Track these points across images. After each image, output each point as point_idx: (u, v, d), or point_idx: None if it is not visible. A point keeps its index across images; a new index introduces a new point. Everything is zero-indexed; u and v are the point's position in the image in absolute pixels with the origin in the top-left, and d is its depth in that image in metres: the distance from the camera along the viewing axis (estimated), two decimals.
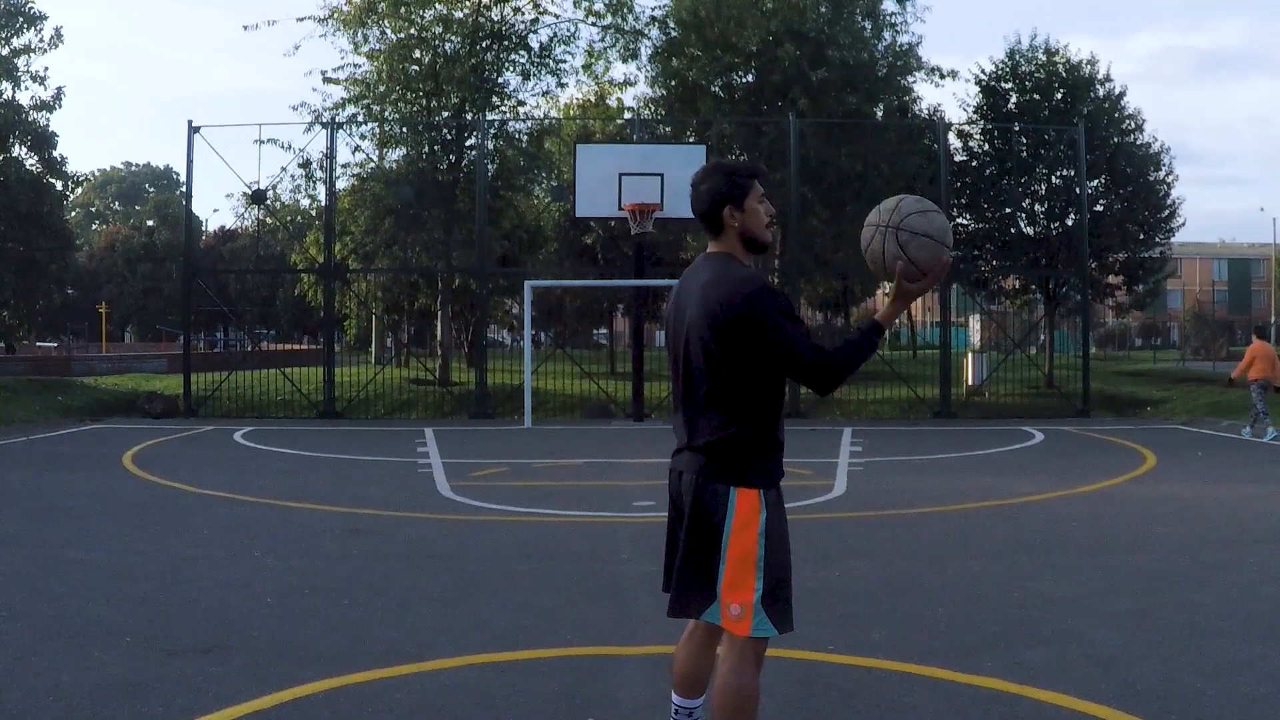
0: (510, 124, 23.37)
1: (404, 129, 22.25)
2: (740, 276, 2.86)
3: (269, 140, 21.31)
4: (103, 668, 4.34)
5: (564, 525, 7.97)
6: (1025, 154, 23.61)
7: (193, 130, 19.25)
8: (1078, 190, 21.63)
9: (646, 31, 22.36)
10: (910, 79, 23.15)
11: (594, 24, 22.35)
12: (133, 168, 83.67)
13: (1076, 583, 5.94)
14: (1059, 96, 24.39)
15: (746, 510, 2.87)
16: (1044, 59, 24.79)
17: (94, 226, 74.17)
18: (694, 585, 2.93)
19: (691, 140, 20.93)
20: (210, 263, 38.55)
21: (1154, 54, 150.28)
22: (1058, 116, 23.39)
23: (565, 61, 23.33)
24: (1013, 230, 24.02)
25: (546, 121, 26.05)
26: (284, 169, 23.36)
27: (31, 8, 21.88)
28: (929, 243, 2.88)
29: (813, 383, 2.85)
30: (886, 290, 3.53)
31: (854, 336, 2.89)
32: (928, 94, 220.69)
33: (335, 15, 21.48)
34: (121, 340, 60.92)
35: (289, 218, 26.31)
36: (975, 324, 37.34)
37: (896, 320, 2.93)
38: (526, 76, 23.17)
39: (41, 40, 21.88)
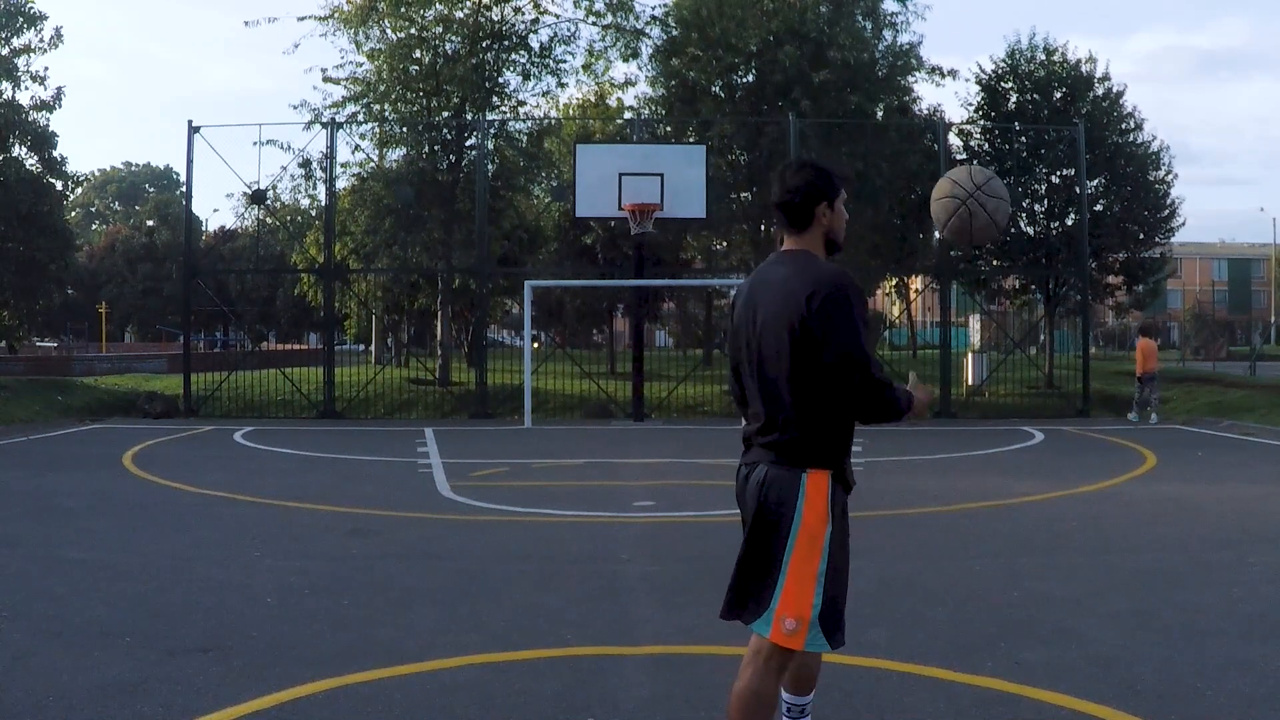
0: (510, 124, 23.37)
1: (404, 129, 22.25)
2: (828, 270, 2.87)
3: (269, 140, 21.33)
4: (103, 668, 4.34)
5: (564, 525, 7.97)
6: (1025, 153, 23.60)
7: (193, 130, 19.26)
8: (1077, 190, 21.62)
9: (647, 31, 22.36)
10: (910, 79, 23.17)
11: (594, 24, 22.36)
12: (133, 168, 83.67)
13: (1076, 583, 5.94)
14: (1059, 96, 24.38)
15: (817, 499, 2.84)
16: (1044, 58, 24.78)
17: (94, 226, 74.16)
18: (750, 590, 2.92)
19: (691, 140, 20.93)
20: (210, 263, 38.49)
21: (1154, 54, 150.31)
22: (1057, 116, 23.38)
23: (565, 61, 23.36)
24: (1013, 230, 24.01)
25: (546, 121, 26.05)
26: (284, 169, 23.38)
27: (31, 8, 21.87)
28: (1003, 204, 3.08)
29: (859, 395, 2.80)
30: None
31: (900, 393, 2.88)
32: (928, 94, 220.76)
33: (336, 14, 21.48)
34: (121, 340, 60.91)
35: (289, 218, 26.30)
36: (975, 324, 37.32)
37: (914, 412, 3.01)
38: (527, 76, 23.19)
39: (41, 40, 21.88)
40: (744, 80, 21.78)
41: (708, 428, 17.35)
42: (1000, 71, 24.98)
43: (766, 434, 2.95)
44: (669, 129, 22.68)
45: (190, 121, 19.79)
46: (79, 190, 42.14)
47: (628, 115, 26.29)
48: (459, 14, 21.94)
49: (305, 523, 8.00)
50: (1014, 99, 24.74)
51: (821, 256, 2.97)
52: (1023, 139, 23.47)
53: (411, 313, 30.96)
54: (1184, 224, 25.83)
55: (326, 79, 22.18)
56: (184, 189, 38.74)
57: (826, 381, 2.81)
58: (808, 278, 2.83)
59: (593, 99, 30.25)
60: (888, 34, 22.66)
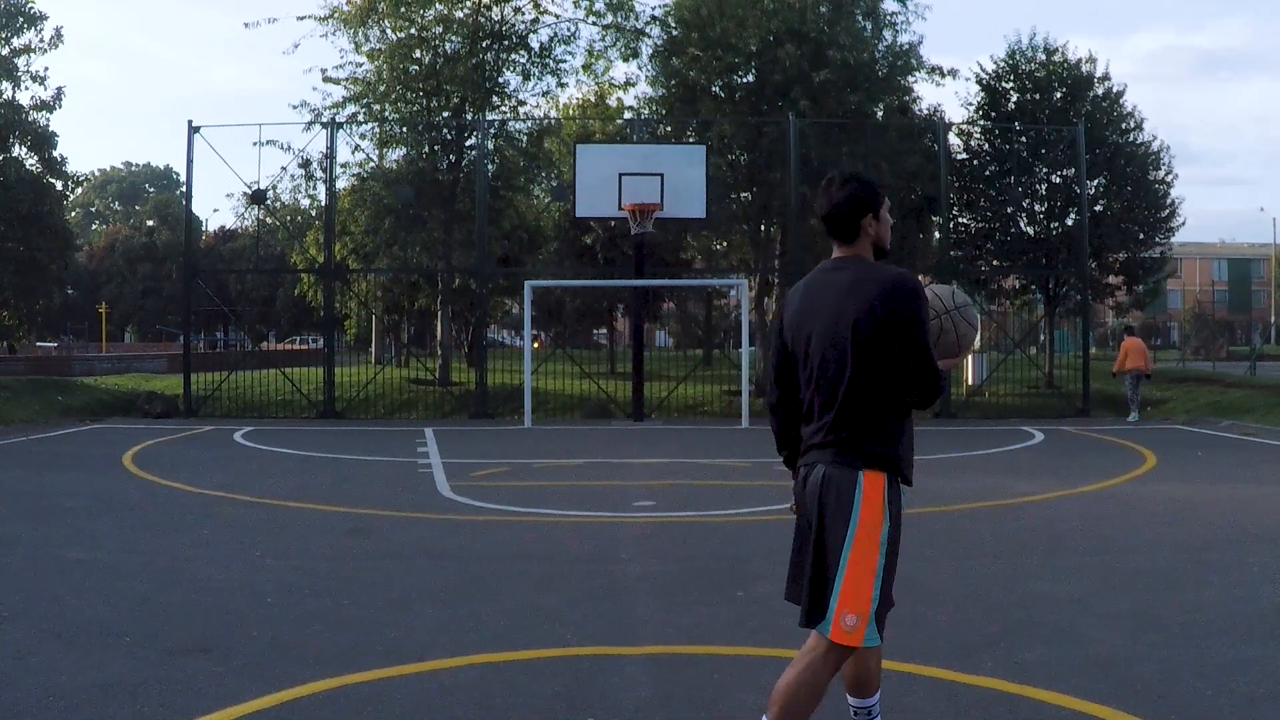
0: (510, 124, 23.36)
1: (404, 129, 22.25)
2: (895, 274, 2.96)
3: (269, 140, 21.32)
4: (103, 668, 4.34)
5: (564, 525, 7.97)
6: (1025, 153, 23.59)
7: (193, 130, 19.25)
8: (1077, 190, 21.62)
9: (647, 31, 22.35)
10: (910, 79, 23.15)
11: (594, 23, 22.35)
12: (133, 168, 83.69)
13: (1076, 583, 5.94)
14: (1059, 96, 24.38)
15: (874, 498, 2.90)
16: (1044, 58, 24.78)
17: (94, 226, 74.18)
18: (813, 589, 2.98)
19: (691, 140, 20.93)
20: (210, 263, 38.54)
21: (1154, 54, 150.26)
22: (1058, 116, 23.38)
23: (565, 61, 23.34)
24: (1013, 230, 24.01)
25: (546, 121, 26.05)
26: (284, 169, 23.37)
27: (31, 8, 21.87)
28: (972, 332, 3.25)
29: (927, 391, 2.92)
30: None
31: None
32: (928, 94, 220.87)
33: (336, 14, 21.47)
34: (121, 340, 60.90)
35: (289, 218, 26.31)
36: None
37: None
38: (527, 76, 23.17)
39: (41, 40, 21.88)
40: (744, 80, 21.76)
41: (708, 428, 17.35)
42: (1001, 71, 24.98)
43: (824, 435, 3.01)
44: (669, 129, 22.67)
45: (190, 121, 19.78)
46: (79, 190, 42.10)
47: (628, 115, 26.27)
48: (459, 14, 21.93)
49: (305, 523, 8.00)
50: (1014, 99, 24.74)
51: (871, 260, 3.09)
52: (1023, 139, 23.47)
53: (411, 313, 30.96)
54: (1184, 224, 25.86)
55: (326, 79, 22.20)
56: (184, 189, 38.74)
57: (897, 376, 2.92)
58: (875, 281, 2.93)
59: (593, 99, 30.25)
60: (888, 34, 22.63)
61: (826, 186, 3.10)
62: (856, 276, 2.98)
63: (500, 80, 22.75)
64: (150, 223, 65.98)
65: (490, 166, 21.66)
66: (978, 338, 3.28)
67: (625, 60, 22.82)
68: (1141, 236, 25.27)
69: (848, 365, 2.93)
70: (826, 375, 2.98)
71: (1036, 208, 24.44)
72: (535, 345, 23.84)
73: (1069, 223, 23.76)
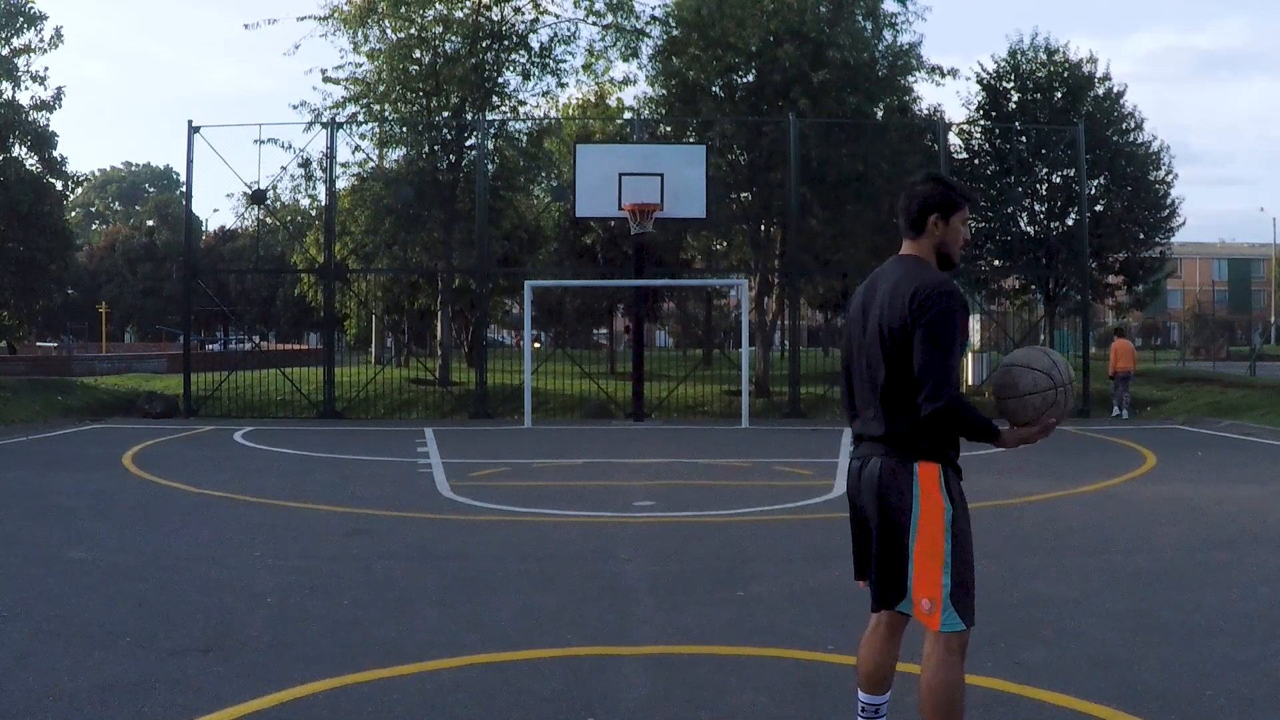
0: (510, 124, 23.36)
1: (404, 129, 22.25)
2: (935, 277, 3.01)
3: (269, 140, 21.29)
4: (103, 668, 4.34)
5: (564, 525, 7.97)
6: (1025, 153, 23.60)
7: (193, 130, 19.25)
8: (1078, 190, 21.63)
9: (647, 31, 22.34)
10: (910, 79, 23.16)
11: (594, 23, 22.35)
12: (133, 168, 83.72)
13: (1076, 583, 5.94)
14: (1059, 96, 24.38)
15: (931, 487, 2.96)
16: (1045, 58, 24.79)
17: (94, 226, 74.18)
18: (887, 577, 3.05)
19: (691, 140, 20.92)
20: (210, 263, 38.49)
21: (1154, 54, 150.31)
22: (1058, 116, 23.38)
23: (565, 61, 23.35)
24: (1013, 230, 24.02)
25: (546, 121, 26.04)
26: (284, 169, 23.36)
27: (31, 8, 21.86)
28: (1019, 402, 3.13)
29: (926, 405, 2.90)
30: None
31: (979, 415, 2.99)
32: (928, 94, 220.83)
33: (336, 14, 21.47)
34: (121, 340, 60.89)
35: (289, 218, 26.30)
36: (975, 324, 37.32)
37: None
38: (526, 76, 23.16)
39: (41, 40, 21.87)
40: (744, 80, 21.77)
41: (708, 428, 17.34)
42: (1001, 71, 24.99)
43: (877, 429, 3.07)
44: (669, 129, 22.67)
45: (190, 121, 19.77)
46: (79, 190, 42.08)
47: (628, 115, 26.28)
48: (459, 14, 21.92)
49: (305, 523, 8.00)
50: (1015, 99, 24.75)
51: (933, 265, 3.11)
52: (1023, 139, 23.48)
53: (411, 313, 30.96)
54: (1184, 224, 25.88)
55: (326, 79, 22.19)
56: (184, 189, 38.74)
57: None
58: (915, 282, 2.97)
59: (593, 99, 30.25)
60: (887, 34, 22.65)
61: (910, 181, 3.19)
62: (904, 277, 3.02)
63: (500, 80, 22.75)
64: (150, 223, 66.01)
65: (490, 166, 21.66)
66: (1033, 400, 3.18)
67: (625, 60, 22.84)
68: (1141, 236, 25.29)
69: (883, 364, 3.00)
70: (875, 371, 3.05)
71: (1036, 207, 24.47)
72: (535, 345, 23.82)
73: (1069, 223, 23.78)
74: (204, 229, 53.82)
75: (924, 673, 3.00)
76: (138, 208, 75.94)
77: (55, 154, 22.96)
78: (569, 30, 22.67)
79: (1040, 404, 3.11)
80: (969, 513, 3.06)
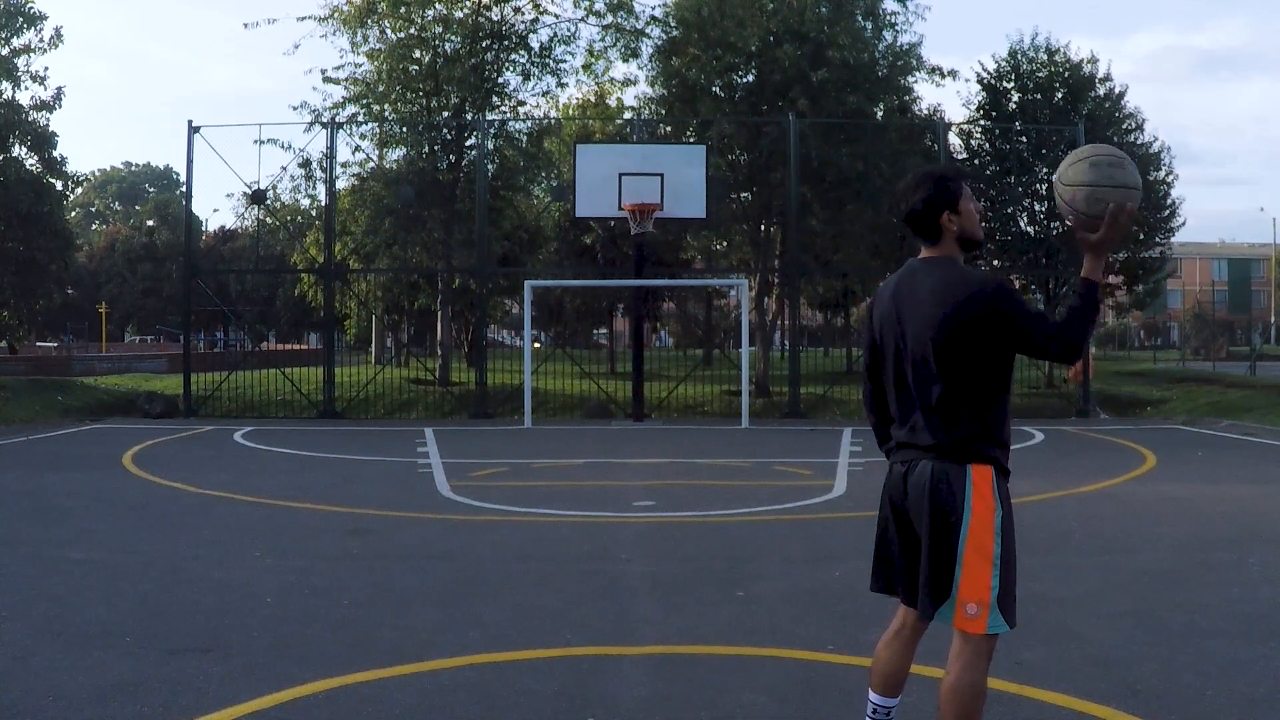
0: (510, 124, 23.36)
1: (404, 129, 22.24)
2: (978, 278, 2.94)
3: (269, 140, 21.28)
4: (103, 668, 4.34)
5: (564, 525, 7.97)
6: (1026, 153, 23.60)
7: (193, 130, 19.25)
8: None
9: (647, 31, 22.35)
10: (910, 79, 23.16)
11: (594, 24, 22.35)
12: (133, 168, 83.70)
13: (1076, 583, 5.94)
14: (1060, 96, 24.39)
15: (985, 489, 2.91)
16: (1045, 59, 24.80)
17: (94, 226, 74.16)
18: (936, 582, 3.00)
19: (691, 140, 20.93)
20: (210, 263, 38.43)
21: (1154, 54, 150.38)
22: (1058, 116, 23.39)
23: (565, 61, 23.33)
24: (1013, 229, 24.02)
25: (546, 121, 26.04)
26: (284, 169, 23.36)
27: (31, 8, 21.85)
28: (1089, 192, 3.01)
29: (1061, 359, 2.90)
30: None
31: (1075, 302, 2.92)
32: (928, 94, 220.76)
33: (335, 14, 21.46)
34: (121, 340, 60.88)
35: (289, 218, 26.29)
36: None
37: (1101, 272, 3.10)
38: (526, 76, 23.17)
39: (41, 40, 21.85)
40: (744, 80, 21.77)
41: (708, 428, 17.34)
42: (1002, 71, 25.00)
43: (923, 434, 3.00)
44: (669, 129, 22.68)
45: (190, 121, 19.75)
46: (79, 190, 42.10)
47: (628, 115, 26.28)
48: (459, 14, 21.92)
49: (305, 523, 7.99)
50: (1015, 99, 24.76)
51: (960, 259, 3.05)
52: (1023, 139, 23.48)
53: (411, 313, 30.95)
54: (1184, 224, 25.94)
55: (326, 79, 22.19)
56: (184, 189, 38.66)
57: (1003, 369, 2.93)
58: (962, 291, 2.90)
59: (593, 99, 30.24)
60: (887, 34, 22.65)
61: (902, 189, 3.10)
62: (943, 280, 2.95)
63: (500, 80, 22.75)
64: (150, 223, 65.98)
65: (490, 166, 21.66)
66: (1115, 194, 3.05)
67: (625, 60, 22.84)
68: (1142, 236, 25.29)
69: (936, 371, 2.93)
70: (919, 379, 2.98)
71: (1036, 207, 24.46)
72: (535, 345, 23.82)
73: (1069, 223, 23.77)
74: (204, 229, 53.76)
75: (949, 674, 2.96)
76: (138, 208, 75.93)
77: (55, 154, 22.94)
78: (569, 30, 22.69)
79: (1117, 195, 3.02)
80: (1013, 514, 3.02)
